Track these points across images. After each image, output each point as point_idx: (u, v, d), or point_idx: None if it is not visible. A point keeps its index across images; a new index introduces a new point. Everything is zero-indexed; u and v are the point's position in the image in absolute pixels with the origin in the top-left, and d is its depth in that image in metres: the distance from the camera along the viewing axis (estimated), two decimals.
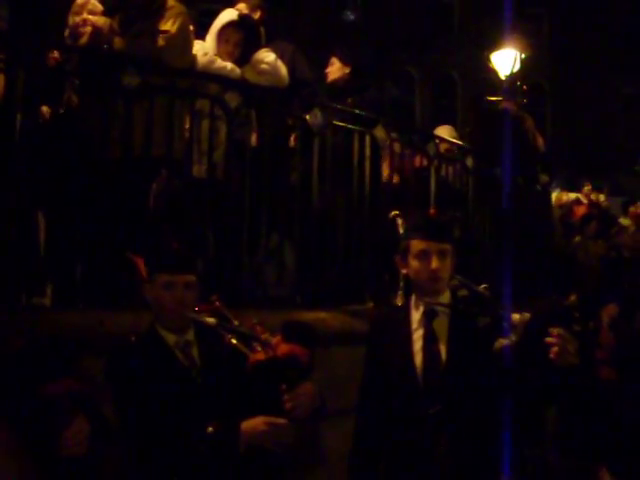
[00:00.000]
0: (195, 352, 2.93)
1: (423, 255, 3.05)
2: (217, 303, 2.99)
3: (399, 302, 4.97)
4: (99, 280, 4.14)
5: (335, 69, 5.96)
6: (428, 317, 3.06)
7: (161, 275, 2.88)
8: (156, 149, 4.38)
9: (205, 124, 4.67)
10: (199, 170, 4.65)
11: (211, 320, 2.84)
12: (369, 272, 5.33)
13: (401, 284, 4.81)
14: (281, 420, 2.75)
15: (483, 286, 3.27)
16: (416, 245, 3.07)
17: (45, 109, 4.61)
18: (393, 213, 5.03)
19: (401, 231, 5.41)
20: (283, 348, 2.69)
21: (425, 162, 6.09)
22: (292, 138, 5.25)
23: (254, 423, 2.78)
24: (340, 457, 4.37)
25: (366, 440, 3.23)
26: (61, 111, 4.63)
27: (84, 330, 3.72)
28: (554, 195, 11.53)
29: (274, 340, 2.73)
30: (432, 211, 3.76)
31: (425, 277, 3.05)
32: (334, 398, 3.16)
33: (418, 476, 3.03)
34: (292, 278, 4.92)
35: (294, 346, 2.70)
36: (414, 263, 3.08)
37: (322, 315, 4.61)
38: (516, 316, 2.83)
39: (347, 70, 5.95)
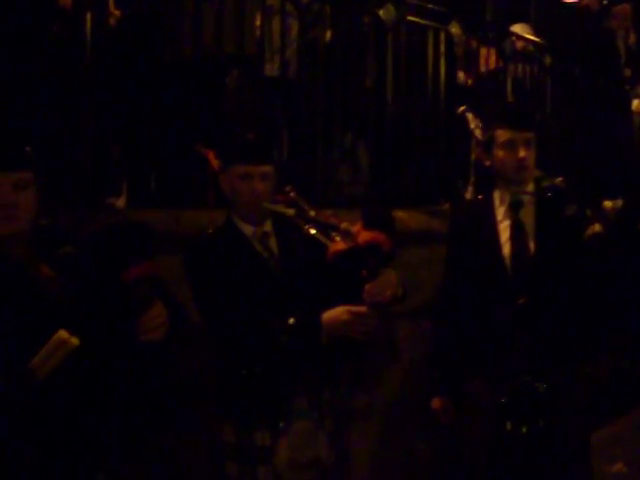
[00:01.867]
0: (273, 243, 2.91)
1: (509, 144, 3.02)
2: (292, 194, 2.92)
3: (468, 197, 4.92)
4: (172, 178, 4.15)
5: None
6: (514, 207, 3.01)
7: (237, 166, 2.82)
8: (227, 47, 4.31)
9: (276, 21, 4.57)
10: (271, 68, 4.58)
11: (289, 210, 2.79)
12: (444, 172, 5.24)
13: (472, 179, 4.73)
14: (362, 308, 2.72)
15: (559, 179, 3.18)
16: (501, 135, 3.04)
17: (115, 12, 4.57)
18: (462, 108, 4.89)
19: (472, 126, 5.31)
20: (365, 235, 2.63)
21: (500, 63, 5.89)
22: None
23: (336, 313, 2.76)
24: (414, 358, 4.39)
25: (447, 341, 3.21)
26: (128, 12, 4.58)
27: (160, 228, 3.74)
28: (635, 102, 11.08)
29: (354, 229, 2.68)
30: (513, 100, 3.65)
31: (512, 167, 3.01)
32: (411, 298, 3.12)
33: (503, 370, 3.00)
34: (367, 178, 4.86)
35: (376, 233, 2.63)
36: (500, 153, 3.05)
37: (399, 214, 4.53)
38: (608, 203, 2.74)
39: None
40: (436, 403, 3.29)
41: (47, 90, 3.84)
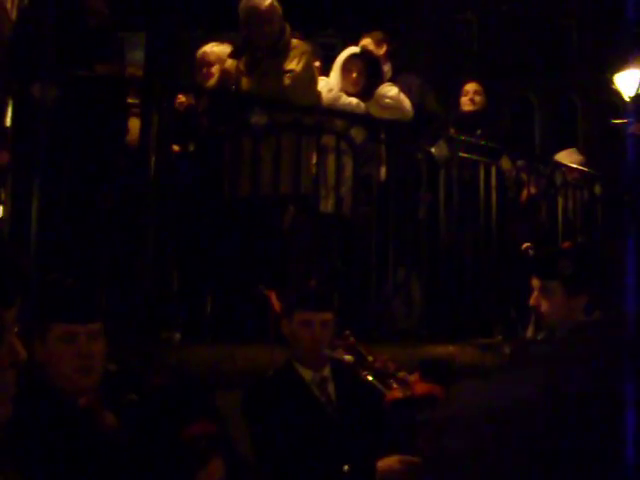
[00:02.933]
0: (331, 388, 2.96)
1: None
2: (351, 339, 3.00)
3: (529, 335, 4.87)
4: (228, 315, 4.22)
5: (467, 100, 5.95)
6: None
7: (300, 312, 2.93)
8: (284, 186, 4.45)
9: (331, 159, 4.72)
10: (326, 205, 4.70)
11: (348, 357, 2.86)
12: (497, 305, 5.23)
13: (533, 318, 4.70)
14: (415, 459, 2.72)
15: None
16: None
17: (175, 148, 4.78)
18: (526, 245, 4.93)
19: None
20: (422, 387, 2.68)
21: (533, 190, 5.91)
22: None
23: (390, 462, 2.78)
24: None
25: None
26: (191, 149, 4.79)
27: (214, 364, 3.81)
28: None
29: (411, 378, 2.71)
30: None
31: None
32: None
33: None
34: (420, 312, 4.89)
35: (432, 386, 2.68)
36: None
37: (451, 349, 4.55)
38: None
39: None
40: None
41: (110, 231, 4.00)
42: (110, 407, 2.32)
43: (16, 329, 1.18)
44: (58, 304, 2.30)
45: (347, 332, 3.05)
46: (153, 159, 4.20)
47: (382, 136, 4.91)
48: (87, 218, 4.03)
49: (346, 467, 2.78)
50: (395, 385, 2.79)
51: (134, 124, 4.38)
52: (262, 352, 3.75)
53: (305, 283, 3.00)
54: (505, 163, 5.28)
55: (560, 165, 6.12)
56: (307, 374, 2.96)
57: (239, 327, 4.10)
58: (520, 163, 5.55)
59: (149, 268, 4.05)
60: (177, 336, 4.17)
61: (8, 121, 4.07)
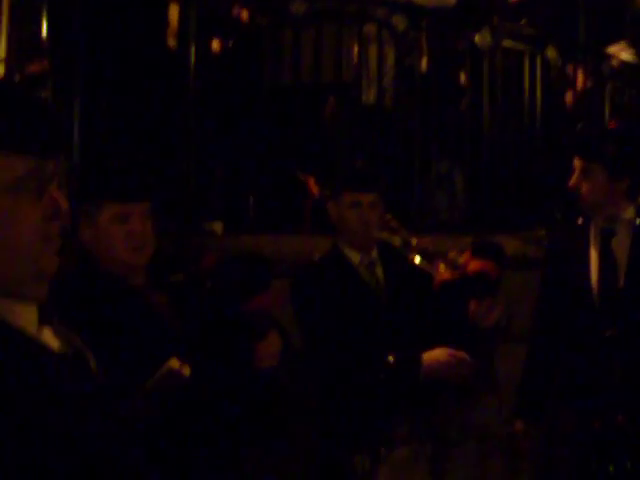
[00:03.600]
0: (379, 271, 2.92)
1: None
2: (392, 222, 2.95)
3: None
4: (269, 205, 4.22)
5: None
6: (605, 235, 2.94)
7: (347, 194, 2.86)
8: (325, 75, 4.39)
9: (373, 49, 4.63)
10: (368, 97, 4.62)
11: (397, 239, 2.81)
12: (541, 198, 5.18)
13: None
14: (462, 353, 2.72)
15: None
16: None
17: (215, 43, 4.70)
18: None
19: None
20: (474, 264, 2.63)
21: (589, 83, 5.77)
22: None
23: (436, 354, 2.75)
24: (510, 382, 4.34)
25: (539, 366, 3.17)
26: (230, 44, 4.71)
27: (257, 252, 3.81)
28: None
29: (462, 258, 2.68)
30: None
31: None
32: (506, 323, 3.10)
33: (591, 403, 2.95)
34: (462, 204, 4.85)
35: (485, 262, 2.64)
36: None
37: (495, 240, 4.52)
38: None
39: None
40: (517, 426, 3.23)
41: (153, 119, 3.97)
42: (157, 287, 2.33)
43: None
44: (111, 184, 2.28)
45: (388, 215, 2.98)
46: (193, 51, 4.15)
47: (424, 24, 4.78)
48: (131, 114, 4.00)
49: (391, 358, 2.77)
50: (442, 267, 2.75)
51: (173, 14, 4.30)
52: (305, 239, 3.74)
53: (352, 165, 2.94)
54: (551, 53, 5.13)
55: (608, 56, 5.93)
56: (355, 257, 2.91)
57: (280, 216, 4.09)
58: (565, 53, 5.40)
59: (192, 160, 4.05)
60: (219, 227, 4.18)
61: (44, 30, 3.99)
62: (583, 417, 2.98)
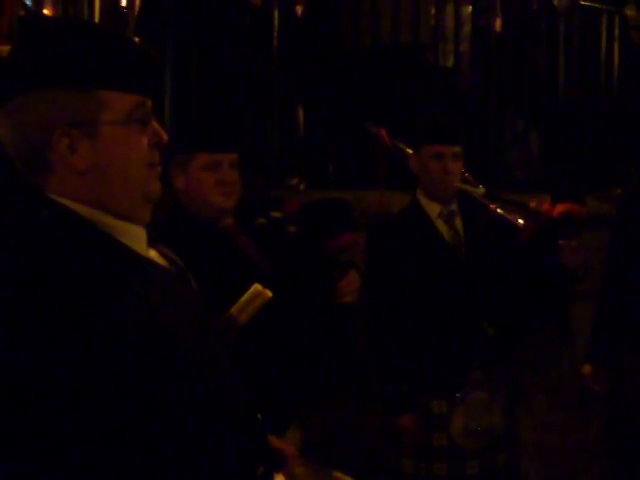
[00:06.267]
0: (459, 223, 2.98)
1: None
2: (467, 175, 2.98)
3: None
4: (345, 160, 4.32)
5: None
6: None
7: (430, 146, 2.92)
8: (404, 36, 4.45)
9: (450, 9, 4.67)
10: (445, 60, 4.67)
11: (479, 189, 2.87)
12: (615, 157, 5.17)
13: None
14: None
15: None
16: None
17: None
18: None
19: None
20: (560, 207, 2.66)
21: None
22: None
23: None
24: (584, 339, 4.39)
25: (610, 311, 3.27)
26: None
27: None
28: None
29: (543, 206, 2.74)
30: None
31: None
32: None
33: None
34: (537, 164, 4.87)
35: (570, 204, 2.68)
36: None
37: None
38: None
39: None
40: (587, 369, 3.31)
41: (240, 78, 4.10)
42: (244, 230, 2.46)
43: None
44: (203, 136, 2.42)
45: (464, 169, 2.99)
46: (277, 14, 4.24)
47: None
48: (214, 80, 4.12)
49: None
50: (520, 220, 2.77)
51: None
52: (383, 194, 3.80)
53: (435, 117, 3.00)
54: (630, 11, 5.08)
55: None
56: (434, 208, 2.97)
57: (358, 172, 4.18)
58: None
59: (277, 118, 4.16)
60: (302, 184, 4.30)
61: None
62: None
